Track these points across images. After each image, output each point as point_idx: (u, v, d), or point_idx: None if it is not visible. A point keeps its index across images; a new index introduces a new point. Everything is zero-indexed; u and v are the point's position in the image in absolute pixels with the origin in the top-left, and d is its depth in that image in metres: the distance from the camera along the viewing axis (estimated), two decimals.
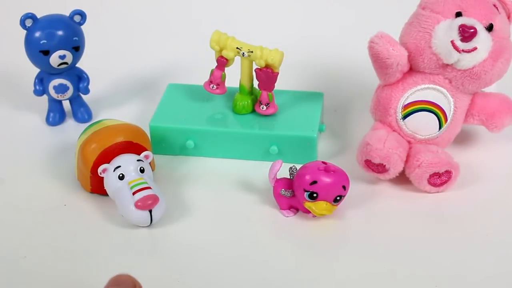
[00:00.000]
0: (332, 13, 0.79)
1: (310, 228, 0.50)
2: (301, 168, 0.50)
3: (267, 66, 0.56)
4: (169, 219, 0.51)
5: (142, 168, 0.51)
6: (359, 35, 0.60)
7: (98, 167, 0.51)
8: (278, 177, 0.51)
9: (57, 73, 0.60)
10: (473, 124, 0.56)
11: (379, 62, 0.53)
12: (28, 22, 0.58)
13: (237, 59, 0.57)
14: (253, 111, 0.59)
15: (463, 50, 0.51)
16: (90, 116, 0.63)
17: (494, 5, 0.54)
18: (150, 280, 0.47)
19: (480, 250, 0.48)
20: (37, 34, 0.57)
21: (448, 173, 0.53)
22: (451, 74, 0.53)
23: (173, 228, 0.51)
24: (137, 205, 0.49)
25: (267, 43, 0.56)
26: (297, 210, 0.52)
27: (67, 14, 0.59)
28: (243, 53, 0.56)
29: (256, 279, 0.47)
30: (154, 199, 0.49)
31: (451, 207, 0.53)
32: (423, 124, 0.54)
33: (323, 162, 0.50)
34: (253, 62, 0.56)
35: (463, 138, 0.59)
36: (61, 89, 0.61)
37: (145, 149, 0.53)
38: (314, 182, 0.49)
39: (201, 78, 0.59)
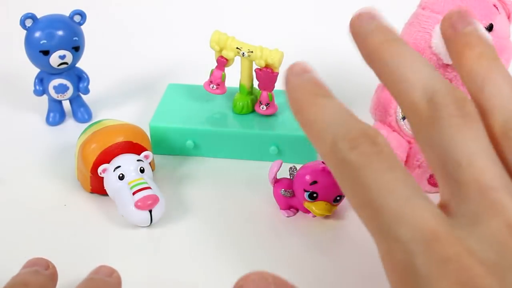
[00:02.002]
0: (332, 13, 0.79)
1: (310, 228, 0.51)
2: (301, 168, 0.50)
3: (267, 66, 0.56)
4: (169, 219, 0.51)
5: (142, 168, 0.51)
6: None
7: (98, 167, 0.51)
8: (278, 177, 0.51)
9: (57, 73, 0.60)
10: None
11: None
12: (28, 22, 0.58)
13: (237, 59, 0.57)
14: (253, 111, 0.59)
15: None
16: (90, 116, 0.63)
17: (494, 5, 0.54)
18: (150, 280, 0.47)
19: None
20: (37, 34, 0.57)
21: None
22: (451, 74, 0.53)
23: (173, 228, 0.51)
24: (137, 205, 0.49)
25: (267, 43, 0.57)
26: (297, 210, 0.52)
27: (67, 14, 0.59)
28: (243, 53, 0.56)
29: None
30: (154, 199, 0.49)
31: None
32: None
33: (323, 162, 0.50)
34: (253, 62, 0.56)
35: None
36: (61, 89, 0.61)
37: (145, 149, 0.53)
38: (314, 182, 0.49)
39: (201, 78, 0.59)
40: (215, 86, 0.58)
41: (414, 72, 0.32)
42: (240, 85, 0.58)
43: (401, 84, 0.32)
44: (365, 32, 0.36)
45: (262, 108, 0.58)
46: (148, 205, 0.49)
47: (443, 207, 0.30)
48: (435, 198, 0.54)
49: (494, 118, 0.32)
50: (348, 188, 0.31)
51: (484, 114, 0.32)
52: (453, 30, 0.35)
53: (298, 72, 0.35)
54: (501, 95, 0.32)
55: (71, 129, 0.62)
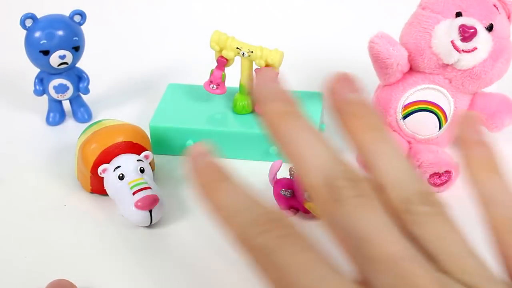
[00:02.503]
0: (332, 13, 0.79)
1: (310, 228, 0.50)
2: None
3: (267, 66, 0.56)
4: (169, 219, 0.51)
5: (142, 168, 0.51)
6: (359, 35, 0.60)
7: (98, 167, 0.51)
8: (278, 177, 0.51)
9: (57, 73, 0.60)
10: None
11: (379, 62, 0.53)
12: (28, 22, 0.58)
13: (237, 59, 0.57)
14: (253, 111, 0.59)
15: (463, 50, 0.51)
16: (90, 116, 0.63)
17: (494, 5, 0.54)
18: (150, 280, 0.47)
19: (480, 249, 0.48)
20: (37, 34, 0.57)
21: (448, 173, 0.53)
22: (451, 74, 0.53)
23: (173, 228, 0.51)
24: (137, 205, 0.49)
25: (267, 43, 0.57)
26: (297, 210, 0.52)
27: (67, 14, 0.59)
28: (243, 53, 0.56)
29: (256, 279, 0.47)
30: (154, 199, 0.49)
31: (451, 207, 0.52)
32: (423, 124, 0.54)
33: None
34: (253, 62, 0.56)
35: None
36: (61, 89, 0.61)
37: (145, 149, 0.53)
38: None
39: (201, 78, 0.59)
40: (215, 86, 0.58)
41: (312, 154, 0.32)
42: (240, 85, 0.58)
43: (301, 164, 0.32)
44: (266, 98, 0.35)
45: None
46: (148, 205, 0.49)
47: (362, 283, 0.30)
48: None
49: (392, 194, 0.32)
50: (263, 273, 0.31)
51: (381, 189, 0.32)
52: (338, 97, 0.35)
53: (199, 155, 0.35)
54: (394, 169, 0.33)
55: (71, 129, 0.62)
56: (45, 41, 0.57)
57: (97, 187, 0.53)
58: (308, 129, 0.33)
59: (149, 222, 0.50)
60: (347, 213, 0.31)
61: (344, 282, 0.29)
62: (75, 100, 0.63)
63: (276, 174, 0.51)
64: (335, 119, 0.35)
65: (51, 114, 0.63)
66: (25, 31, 0.58)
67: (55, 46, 0.58)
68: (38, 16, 0.58)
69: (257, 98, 0.35)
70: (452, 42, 0.51)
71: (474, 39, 0.51)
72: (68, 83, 0.61)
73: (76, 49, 0.59)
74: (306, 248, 0.30)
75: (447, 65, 0.53)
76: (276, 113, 0.34)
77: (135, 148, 0.52)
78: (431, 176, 0.53)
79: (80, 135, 0.55)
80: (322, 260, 0.30)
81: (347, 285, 0.29)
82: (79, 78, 0.61)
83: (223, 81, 0.58)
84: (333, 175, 0.32)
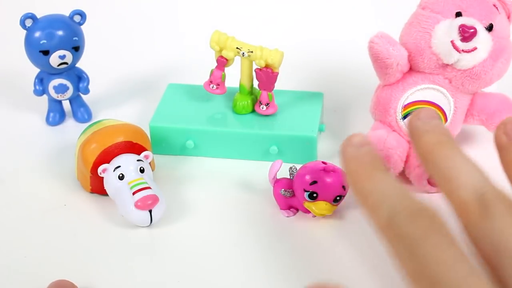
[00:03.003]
0: (332, 13, 0.79)
1: (310, 228, 0.51)
2: (301, 168, 0.50)
3: (267, 66, 0.56)
4: (169, 219, 0.51)
5: (142, 168, 0.51)
6: (359, 35, 0.60)
7: (98, 167, 0.51)
8: (278, 177, 0.51)
9: (57, 73, 0.60)
10: (473, 124, 0.56)
11: (379, 62, 0.53)
12: (28, 22, 0.58)
13: (237, 59, 0.57)
14: (253, 111, 0.59)
15: (463, 50, 0.51)
16: (90, 116, 0.63)
17: (494, 5, 0.54)
18: (150, 280, 0.47)
19: None
20: (37, 34, 0.57)
21: None
22: (451, 74, 0.53)
23: (173, 228, 0.51)
24: (137, 205, 0.49)
25: (267, 43, 0.57)
26: (297, 210, 0.52)
27: (67, 14, 0.59)
28: (243, 53, 0.56)
29: (256, 279, 0.47)
30: (154, 199, 0.49)
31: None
32: None
33: (323, 162, 0.50)
34: (253, 62, 0.56)
35: (463, 138, 0.59)
36: (61, 89, 0.61)
37: (145, 149, 0.53)
38: (314, 182, 0.49)
39: (201, 78, 0.59)
40: (215, 86, 0.58)
41: (465, 174, 0.34)
42: (240, 85, 0.58)
43: (452, 183, 0.34)
44: (421, 132, 0.37)
45: (262, 108, 0.58)
46: (148, 205, 0.49)
47: None
48: (435, 198, 0.54)
49: None
50: (404, 260, 0.31)
51: None
52: (507, 138, 0.37)
53: (356, 144, 0.36)
54: None
55: (71, 129, 0.62)
56: (45, 41, 0.57)
57: (97, 187, 0.53)
58: (462, 155, 0.35)
59: (149, 222, 0.50)
60: (496, 228, 0.31)
61: (485, 283, 0.29)
62: (75, 100, 0.63)
63: (276, 174, 0.51)
64: (498, 155, 0.37)
65: (51, 114, 0.63)
66: (25, 31, 0.58)
67: (55, 46, 0.58)
68: (38, 16, 0.58)
69: (413, 131, 0.37)
70: (452, 42, 0.51)
71: (474, 39, 0.51)
72: (68, 83, 0.61)
73: (76, 49, 0.59)
74: (452, 244, 0.30)
75: (447, 65, 0.53)
76: (434, 143, 0.35)
77: (135, 148, 0.52)
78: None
79: (80, 135, 0.55)
80: (466, 258, 0.30)
81: (488, 286, 0.29)
82: (79, 78, 0.61)
83: (223, 81, 0.58)
84: (486, 192, 0.33)
